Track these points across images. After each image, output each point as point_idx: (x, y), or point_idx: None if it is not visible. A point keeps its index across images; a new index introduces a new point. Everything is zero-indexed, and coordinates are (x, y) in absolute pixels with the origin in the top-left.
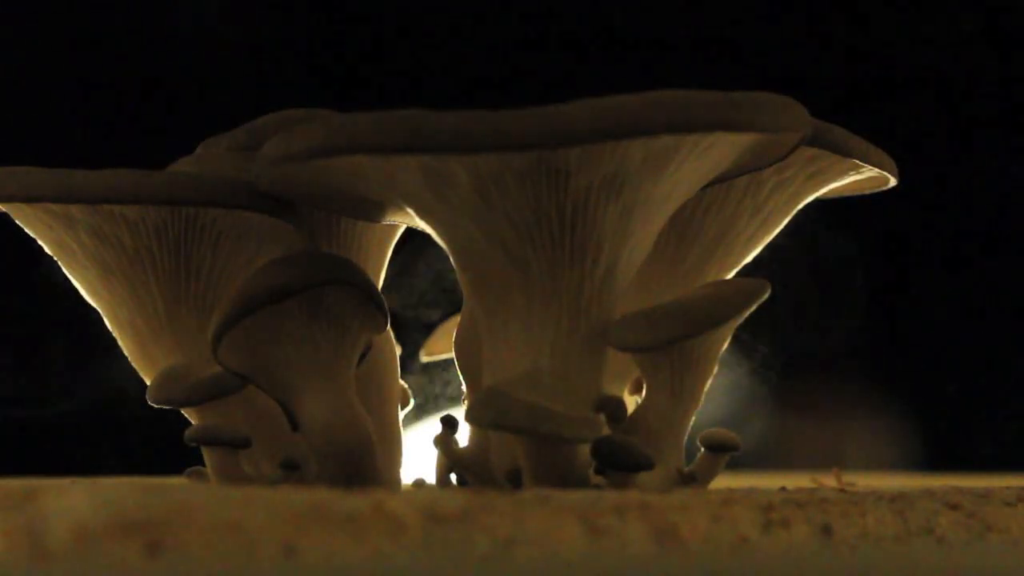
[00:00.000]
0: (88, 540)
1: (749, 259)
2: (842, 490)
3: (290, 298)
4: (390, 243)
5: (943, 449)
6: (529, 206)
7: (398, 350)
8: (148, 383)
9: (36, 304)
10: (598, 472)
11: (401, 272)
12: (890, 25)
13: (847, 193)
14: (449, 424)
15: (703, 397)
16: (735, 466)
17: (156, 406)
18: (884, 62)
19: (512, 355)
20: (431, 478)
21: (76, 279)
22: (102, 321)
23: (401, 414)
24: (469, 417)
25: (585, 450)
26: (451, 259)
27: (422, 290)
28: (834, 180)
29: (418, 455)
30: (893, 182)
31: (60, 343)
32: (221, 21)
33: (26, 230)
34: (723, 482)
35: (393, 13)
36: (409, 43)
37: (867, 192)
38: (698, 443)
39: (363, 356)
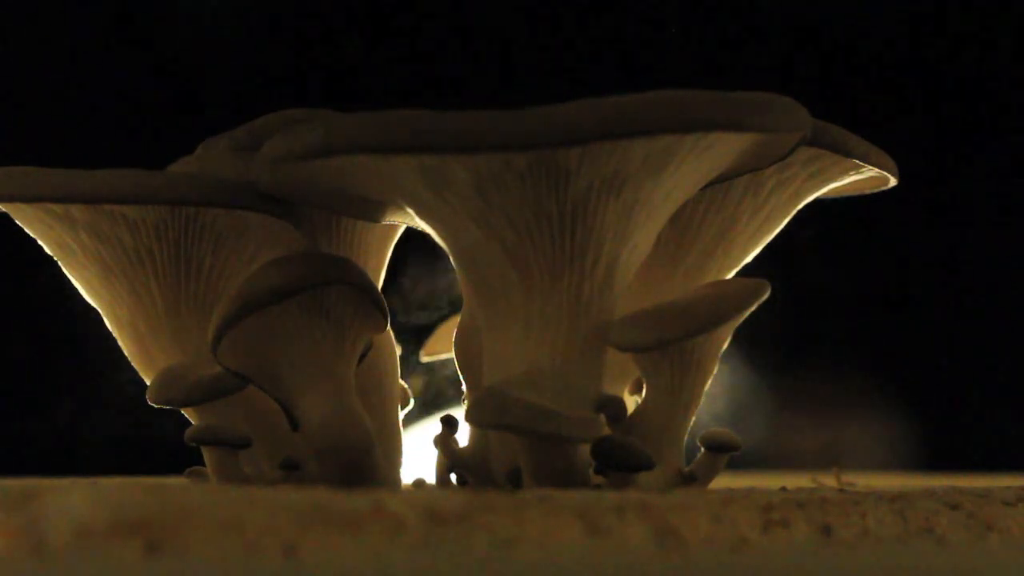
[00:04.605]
0: (88, 540)
1: (749, 259)
2: (842, 490)
3: (290, 298)
4: (390, 243)
5: (943, 449)
6: (529, 206)
7: (398, 350)
8: (148, 383)
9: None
10: (598, 472)
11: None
12: (889, 24)
13: (847, 193)
14: (449, 424)
15: (703, 397)
16: (735, 466)
17: (156, 406)
18: (884, 60)
19: (512, 355)
20: (431, 478)
21: (76, 279)
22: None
23: (401, 414)
24: (469, 417)
25: (585, 450)
26: (451, 259)
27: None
28: (834, 180)
29: (418, 455)
30: (893, 182)
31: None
32: (221, 21)
33: (26, 230)
34: (723, 482)
35: (393, 13)
36: (409, 43)
37: (867, 192)
38: (698, 443)
39: (363, 356)
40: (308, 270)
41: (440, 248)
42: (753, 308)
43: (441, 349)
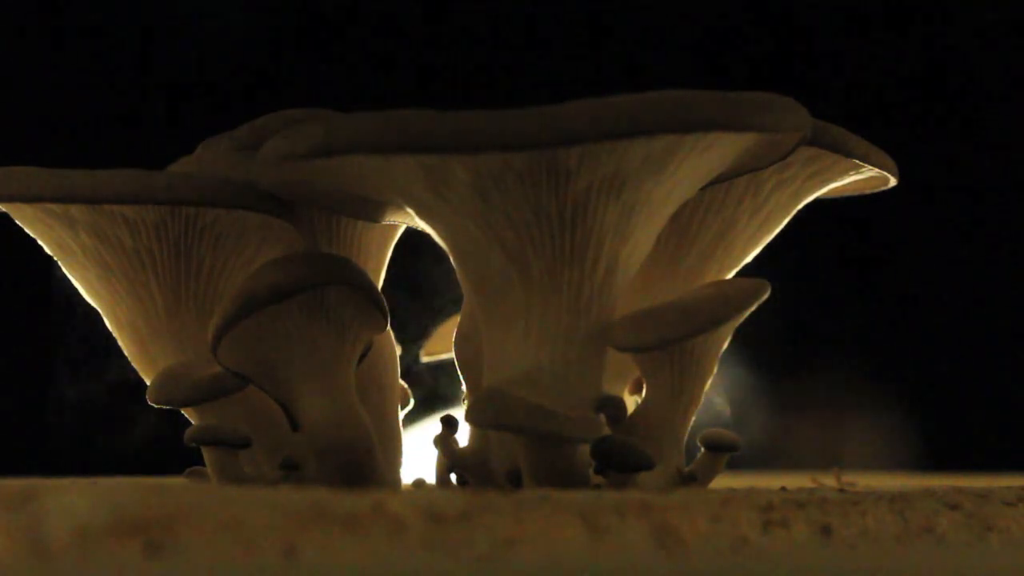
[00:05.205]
0: (88, 540)
1: (749, 259)
2: (842, 490)
3: (290, 298)
4: (390, 243)
5: (943, 449)
6: (529, 206)
7: (398, 350)
8: (148, 383)
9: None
10: (598, 472)
11: None
12: (890, 23)
13: (847, 193)
14: (449, 424)
15: (703, 397)
16: (735, 466)
17: (156, 406)
18: (884, 60)
19: (512, 355)
20: (431, 478)
21: (76, 279)
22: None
23: (401, 414)
24: (469, 417)
25: (585, 450)
26: (451, 259)
27: None
28: (834, 180)
29: (418, 455)
30: (893, 182)
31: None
32: (222, 21)
33: (26, 230)
34: (723, 482)
35: (393, 13)
36: (409, 43)
37: (868, 192)
38: (698, 443)
39: (363, 356)
40: (308, 270)
41: (440, 248)
42: (753, 308)
43: (441, 349)
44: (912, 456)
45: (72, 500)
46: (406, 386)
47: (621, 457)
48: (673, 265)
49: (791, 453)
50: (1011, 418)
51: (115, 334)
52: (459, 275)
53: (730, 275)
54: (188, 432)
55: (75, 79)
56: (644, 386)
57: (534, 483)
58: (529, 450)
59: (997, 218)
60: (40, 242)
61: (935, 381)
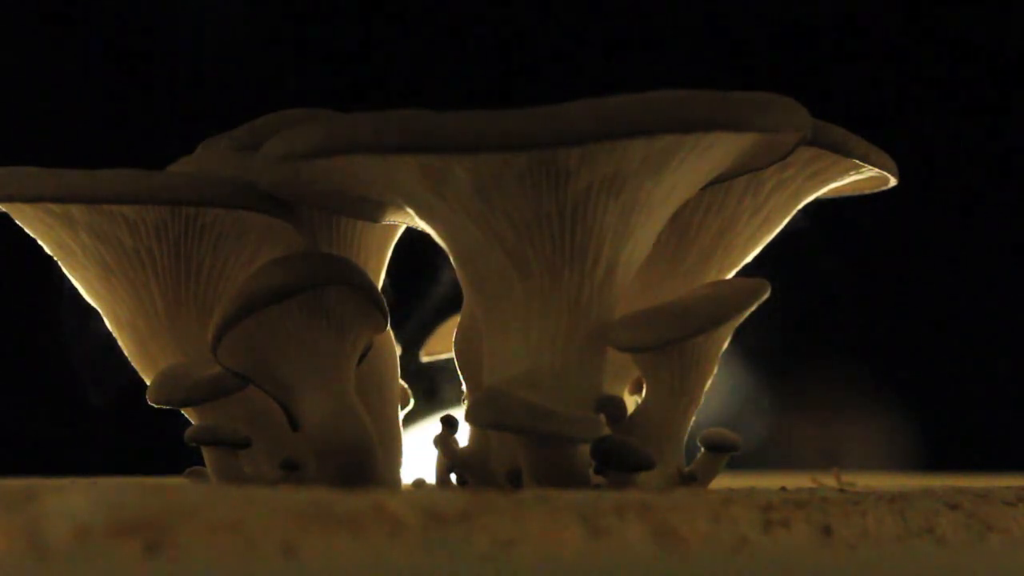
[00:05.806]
0: (88, 540)
1: (749, 259)
2: (842, 490)
3: (290, 298)
4: (390, 243)
5: (943, 449)
6: (529, 206)
7: (398, 350)
8: (148, 383)
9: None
10: (598, 472)
11: None
12: (889, 24)
13: (847, 193)
14: (449, 424)
15: (703, 397)
16: (735, 466)
17: (156, 406)
18: (883, 60)
19: (512, 355)
20: (431, 478)
21: (76, 279)
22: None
23: (401, 414)
24: (469, 417)
25: (585, 450)
26: (451, 259)
27: None
28: (834, 180)
29: (418, 455)
30: (893, 182)
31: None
32: (222, 21)
33: (26, 230)
34: (723, 482)
35: (393, 13)
36: (409, 43)
37: (867, 192)
38: (698, 443)
39: (363, 356)
40: (308, 270)
41: (440, 248)
42: (753, 308)
43: (441, 349)
44: (912, 456)
45: (72, 500)
46: (406, 386)
47: (621, 457)
48: (673, 265)
49: (791, 453)
50: (1011, 418)
51: (115, 334)
52: (459, 275)
53: (730, 275)
54: (188, 432)
55: (75, 79)
56: (644, 386)
57: (534, 483)
58: (529, 450)
59: (996, 217)
60: (40, 242)
61: (935, 381)
